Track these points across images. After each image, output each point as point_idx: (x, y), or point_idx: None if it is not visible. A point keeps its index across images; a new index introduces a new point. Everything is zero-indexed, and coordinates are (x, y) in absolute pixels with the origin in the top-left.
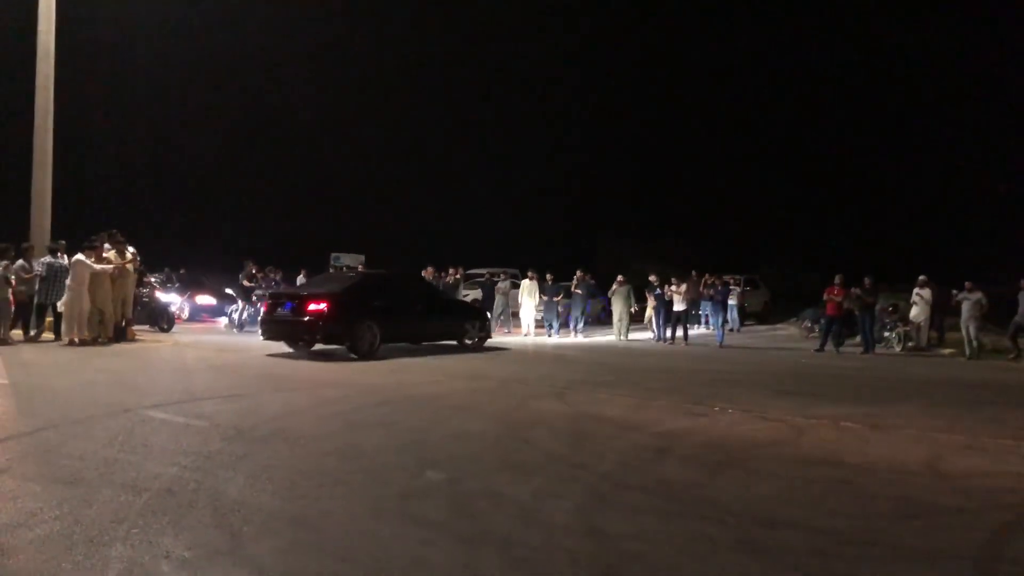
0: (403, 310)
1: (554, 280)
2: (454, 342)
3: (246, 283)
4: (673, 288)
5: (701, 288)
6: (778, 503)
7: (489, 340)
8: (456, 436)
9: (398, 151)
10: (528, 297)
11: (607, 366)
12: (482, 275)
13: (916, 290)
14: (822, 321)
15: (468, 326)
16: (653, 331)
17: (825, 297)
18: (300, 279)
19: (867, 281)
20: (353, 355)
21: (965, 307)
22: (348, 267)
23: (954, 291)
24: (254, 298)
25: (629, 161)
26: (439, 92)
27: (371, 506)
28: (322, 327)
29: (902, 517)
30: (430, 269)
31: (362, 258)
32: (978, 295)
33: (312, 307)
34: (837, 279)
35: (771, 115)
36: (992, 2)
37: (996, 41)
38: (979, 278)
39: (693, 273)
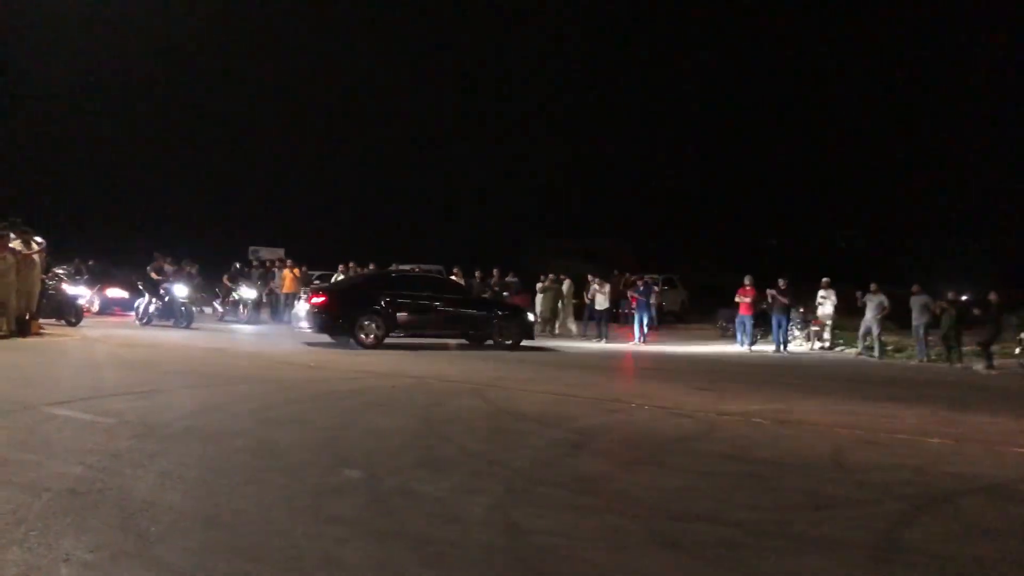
0: (410, 306)
1: (483, 278)
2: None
3: (154, 276)
4: (596, 287)
5: (622, 287)
6: (690, 496)
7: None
8: (373, 433)
9: (324, 146)
10: None
11: (528, 364)
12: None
13: (821, 292)
14: (738, 321)
15: (497, 324)
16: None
17: (737, 298)
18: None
19: (782, 282)
20: (359, 345)
21: (869, 308)
22: (269, 260)
23: (858, 292)
24: (162, 291)
25: (556, 159)
26: (365, 87)
27: (285, 504)
28: (324, 317)
29: (807, 508)
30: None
31: (281, 252)
32: (881, 297)
33: (314, 300)
34: (747, 280)
35: (693, 115)
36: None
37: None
38: (884, 280)
39: (616, 272)
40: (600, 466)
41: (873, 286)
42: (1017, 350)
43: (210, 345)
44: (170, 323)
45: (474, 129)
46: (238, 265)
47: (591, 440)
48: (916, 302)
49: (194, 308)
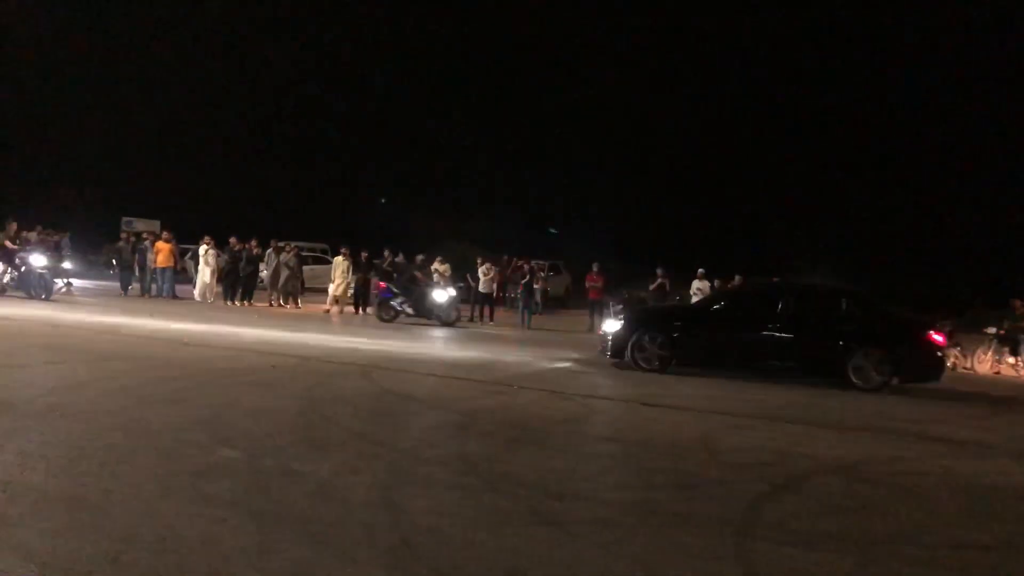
0: None
1: (368, 258)
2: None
3: (8, 244)
4: (482, 270)
5: (509, 272)
6: (569, 477)
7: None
8: (253, 413)
9: (218, 117)
10: (340, 275)
11: (418, 345)
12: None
13: (695, 282)
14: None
15: None
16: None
17: (587, 284)
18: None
19: (659, 272)
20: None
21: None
22: (145, 233)
23: (732, 283)
24: (17, 261)
25: (448, 139)
26: (250, 55)
27: (159, 485)
28: None
29: (677, 488)
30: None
31: (156, 224)
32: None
33: None
34: (595, 267)
35: (586, 99)
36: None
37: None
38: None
39: (505, 257)
40: (484, 447)
41: (739, 278)
42: None
43: (75, 319)
44: (26, 294)
45: (368, 100)
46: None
47: (474, 422)
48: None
49: (59, 279)
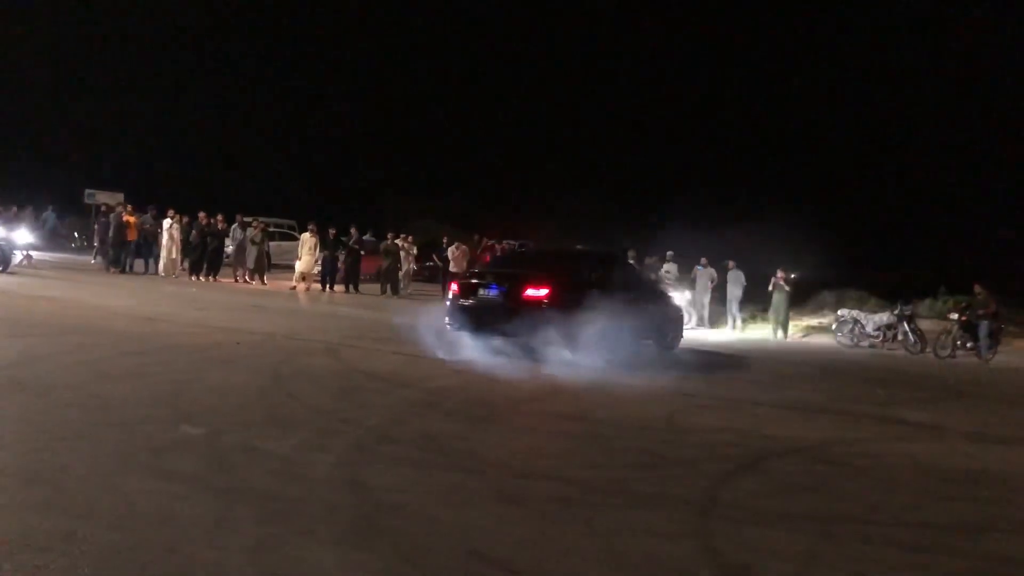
0: None
1: (336, 235)
2: None
3: None
4: (451, 250)
5: (480, 251)
6: (534, 456)
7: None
8: (216, 389)
9: (186, 88)
10: (307, 251)
11: (379, 323)
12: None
13: (665, 265)
14: None
15: None
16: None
17: None
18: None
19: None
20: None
21: (699, 280)
22: (106, 205)
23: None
24: None
25: (415, 118)
26: (208, 36)
27: (118, 461)
28: None
29: (641, 467)
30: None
31: (121, 196)
32: (711, 271)
33: None
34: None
35: (551, 86)
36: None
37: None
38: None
39: (475, 236)
40: (449, 425)
41: (704, 260)
42: (834, 325)
43: (34, 292)
44: None
45: (332, 77)
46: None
47: (441, 400)
48: (731, 277)
49: (20, 252)
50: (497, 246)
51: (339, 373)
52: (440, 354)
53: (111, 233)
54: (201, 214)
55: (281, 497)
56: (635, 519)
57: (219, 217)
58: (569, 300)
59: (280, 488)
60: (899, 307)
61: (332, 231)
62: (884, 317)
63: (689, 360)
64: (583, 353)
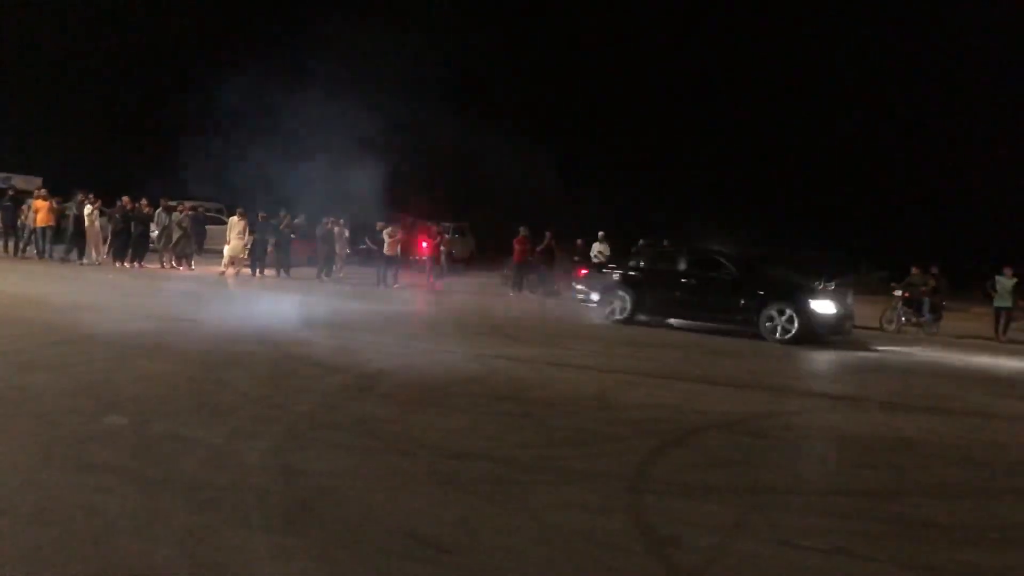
0: None
1: (265, 218)
2: None
3: None
4: (387, 232)
5: (414, 234)
6: (468, 436)
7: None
8: (143, 378)
9: (101, 70)
10: (236, 235)
11: (315, 308)
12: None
13: (596, 245)
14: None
15: None
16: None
17: (517, 247)
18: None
19: (547, 234)
20: None
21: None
22: (13, 189)
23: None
24: None
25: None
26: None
27: (40, 453)
28: None
29: (573, 444)
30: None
31: (39, 181)
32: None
33: None
34: (522, 230)
35: (492, 63)
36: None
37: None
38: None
39: (409, 218)
40: (383, 409)
41: (644, 242)
42: None
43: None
44: None
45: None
46: None
47: (376, 384)
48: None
49: None
50: (432, 228)
51: (271, 359)
52: (375, 338)
53: (22, 220)
54: (124, 199)
55: (211, 486)
56: (568, 495)
57: (143, 201)
58: None
59: (210, 477)
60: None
61: (261, 214)
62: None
63: (622, 338)
64: None
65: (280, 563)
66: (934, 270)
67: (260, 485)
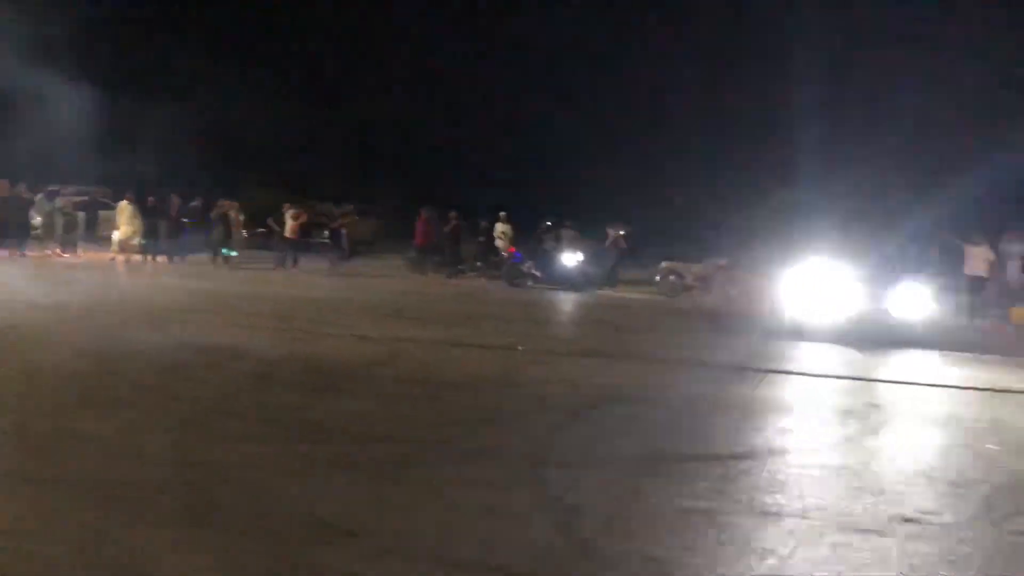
0: None
1: (155, 203)
2: None
3: None
4: (289, 215)
5: (315, 216)
6: (372, 420)
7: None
8: (27, 372)
9: None
10: (125, 221)
11: (213, 294)
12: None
13: (499, 225)
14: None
15: None
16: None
17: (420, 229)
18: None
19: (451, 214)
20: None
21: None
22: None
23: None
24: None
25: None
26: None
27: None
28: None
29: (478, 423)
30: None
31: None
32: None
33: None
34: (424, 211)
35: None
36: None
37: None
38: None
39: (311, 202)
40: (286, 395)
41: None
42: (657, 277)
43: None
44: None
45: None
46: None
47: (278, 370)
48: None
49: None
50: (335, 210)
51: (167, 348)
52: (277, 323)
53: None
54: (2, 182)
55: (107, 482)
56: (473, 473)
57: (22, 186)
58: None
59: (106, 473)
60: (717, 258)
61: (151, 199)
62: (702, 268)
63: (526, 315)
64: None
65: (183, 556)
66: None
67: (159, 478)
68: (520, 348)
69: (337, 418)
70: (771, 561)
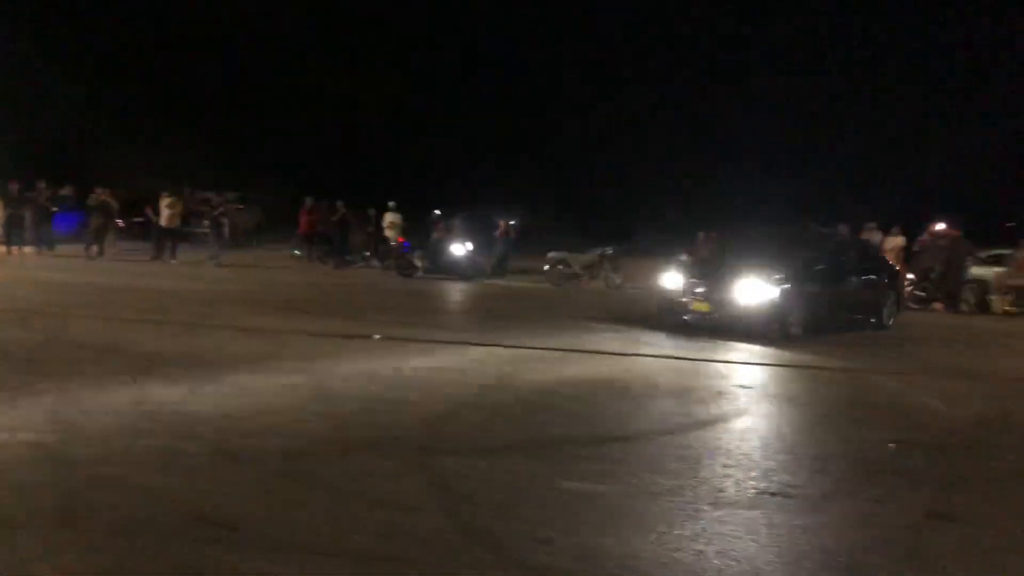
0: None
1: (20, 190)
2: None
3: None
4: (165, 204)
5: (194, 205)
6: (255, 415)
7: None
8: None
9: None
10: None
11: (92, 287)
12: None
13: (388, 215)
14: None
15: None
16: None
17: (302, 218)
18: None
19: (339, 204)
20: None
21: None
22: None
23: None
24: None
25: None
26: None
27: None
28: None
29: (368, 414)
30: None
31: None
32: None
33: None
34: (308, 201)
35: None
36: None
37: None
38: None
39: (187, 189)
40: (166, 391)
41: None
42: (546, 267)
43: None
44: None
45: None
46: None
47: (154, 365)
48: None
49: None
50: (214, 199)
51: (34, 344)
52: (156, 316)
53: None
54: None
55: None
56: (362, 464)
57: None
58: None
59: None
60: (602, 249)
61: (15, 185)
62: (588, 257)
63: (413, 305)
64: None
65: (51, 560)
66: None
67: (25, 481)
68: (376, 337)
69: (219, 413)
70: (652, 537)
